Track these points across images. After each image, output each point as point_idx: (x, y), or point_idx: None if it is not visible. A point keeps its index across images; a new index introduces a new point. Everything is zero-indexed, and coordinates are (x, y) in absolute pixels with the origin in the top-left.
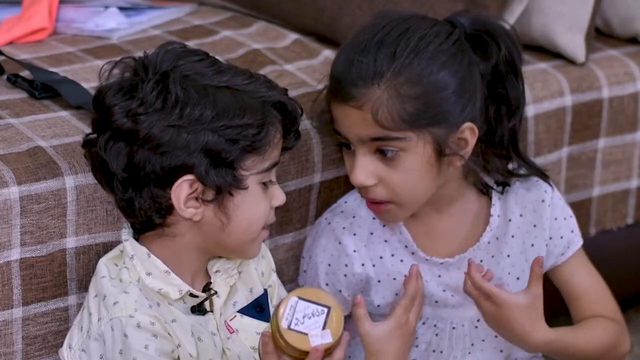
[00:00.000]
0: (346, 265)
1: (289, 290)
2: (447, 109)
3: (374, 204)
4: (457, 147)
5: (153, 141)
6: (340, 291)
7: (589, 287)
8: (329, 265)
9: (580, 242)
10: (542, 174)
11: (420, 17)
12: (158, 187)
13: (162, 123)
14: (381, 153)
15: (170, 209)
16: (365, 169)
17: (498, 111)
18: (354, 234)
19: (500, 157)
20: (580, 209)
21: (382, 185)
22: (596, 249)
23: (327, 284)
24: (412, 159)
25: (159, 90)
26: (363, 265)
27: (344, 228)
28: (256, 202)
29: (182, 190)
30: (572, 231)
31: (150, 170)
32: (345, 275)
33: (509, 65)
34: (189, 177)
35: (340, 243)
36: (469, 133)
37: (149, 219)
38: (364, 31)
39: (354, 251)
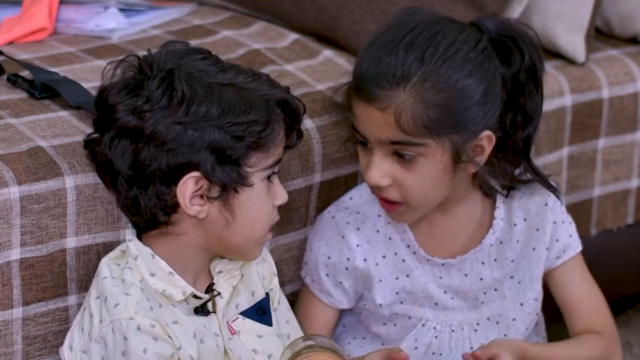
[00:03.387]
0: (348, 259)
1: (287, 292)
2: (469, 117)
3: (388, 203)
4: (474, 154)
5: (159, 138)
6: (341, 282)
7: (581, 296)
8: (329, 257)
9: (579, 248)
10: (550, 185)
11: (449, 21)
12: (163, 185)
13: (168, 120)
14: (399, 156)
15: (175, 206)
16: (381, 169)
17: (514, 119)
18: (358, 229)
19: (511, 163)
20: (581, 210)
21: (396, 185)
22: (597, 249)
23: (327, 275)
24: (429, 164)
25: (164, 87)
26: (365, 260)
27: (347, 223)
28: (260, 200)
29: (187, 187)
30: (570, 236)
31: (155, 167)
32: (346, 269)
33: (529, 74)
34: (195, 174)
35: (343, 237)
36: (487, 141)
37: (153, 217)
38: (391, 29)
39: (357, 245)
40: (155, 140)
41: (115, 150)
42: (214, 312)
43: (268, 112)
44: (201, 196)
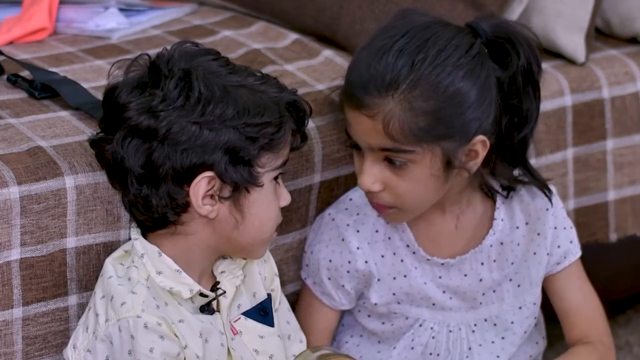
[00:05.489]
0: (349, 262)
1: (287, 292)
2: (460, 123)
3: (379, 206)
4: (467, 159)
5: (173, 138)
6: (343, 286)
7: (579, 303)
8: (331, 261)
9: (579, 254)
10: (546, 187)
11: (442, 25)
12: (175, 184)
13: (183, 120)
14: (389, 162)
15: (186, 206)
16: (372, 175)
17: (511, 121)
18: (358, 231)
19: (507, 165)
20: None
21: (388, 191)
22: (596, 249)
23: (329, 278)
24: (420, 170)
25: (181, 87)
26: (366, 262)
27: (348, 225)
28: (269, 200)
29: (200, 187)
30: (570, 242)
31: (169, 167)
32: (348, 272)
33: (526, 76)
34: (208, 174)
35: (343, 240)
36: (480, 146)
37: (163, 216)
38: (384, 34)
39: (358, 248)
40: (170, 140)
41: (127, 149)
42: (218, 311)
43: (280, 113)
44: (212, 196)
